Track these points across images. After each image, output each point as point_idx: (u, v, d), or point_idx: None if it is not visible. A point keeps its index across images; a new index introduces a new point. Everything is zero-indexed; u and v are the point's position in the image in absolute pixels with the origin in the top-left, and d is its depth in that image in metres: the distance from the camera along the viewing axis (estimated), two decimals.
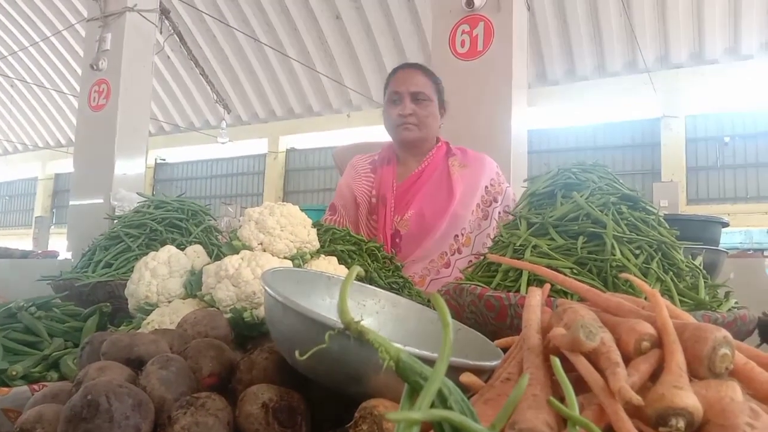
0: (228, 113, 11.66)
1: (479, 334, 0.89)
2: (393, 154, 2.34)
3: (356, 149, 2.73)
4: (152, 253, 1.23)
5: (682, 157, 12.76)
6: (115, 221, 1.80)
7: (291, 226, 1.17)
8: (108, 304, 1.36)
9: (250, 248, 1.14)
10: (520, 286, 1.04)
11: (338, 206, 2.33)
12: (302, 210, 1.26)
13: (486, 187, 2.24)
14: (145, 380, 0.73)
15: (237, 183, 18.77)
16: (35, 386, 0.92)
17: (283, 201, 1.27)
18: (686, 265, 1.09)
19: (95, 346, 0.85)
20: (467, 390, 0.62)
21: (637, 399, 0.47)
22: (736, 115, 12.52)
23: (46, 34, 14.52)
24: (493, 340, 0.83)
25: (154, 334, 0.88)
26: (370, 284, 1.35)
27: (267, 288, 0.73)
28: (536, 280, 1.00)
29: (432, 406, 0.34)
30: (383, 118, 2.32)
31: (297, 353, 0.53)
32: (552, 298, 0.92)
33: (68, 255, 5.22)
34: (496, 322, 1.01)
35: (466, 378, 0.62)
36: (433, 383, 0.33)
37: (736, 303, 1.08)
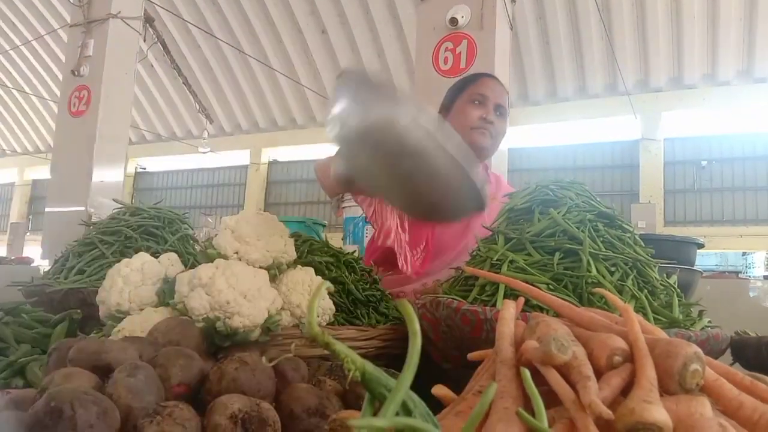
0: (210, 123, 11.64)
1: None
2: None
3: None
4: (125, 260, 1.20)
5: (660, 179, 12.95)
6: (90, 228, 1.78)
7: (267, 236, 1.16)
8: (78, 310, 1.33)
9: (225, 257, 1.13)
10: (496, 300, 1.03)
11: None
12: (282, 222, 1.25)
13: None
14: (112, 388, 0.71)
15: (218, 194, 18.61)
16: None
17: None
18: (661, 284, 1.10)
19: (63, 353, 0.83)
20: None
21: (607, 413, 0.46)
22: (713, 139, 12.76)
23: (27, 39, 14.36)
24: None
25: (124, 341, 0.86)
26: (347, 296, 1.34)
27: None
28: (513, 295, 1.00)
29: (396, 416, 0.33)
30: (454, 116, 2.09)
31: None
32: (528, 313, 0.92)
33: (43, 262, 5.13)
34: (471, 336, 1.01)
35: (438, 390, 0.61)
36: (399, 391, 0.33)
37: (709, 322, 1.09)
